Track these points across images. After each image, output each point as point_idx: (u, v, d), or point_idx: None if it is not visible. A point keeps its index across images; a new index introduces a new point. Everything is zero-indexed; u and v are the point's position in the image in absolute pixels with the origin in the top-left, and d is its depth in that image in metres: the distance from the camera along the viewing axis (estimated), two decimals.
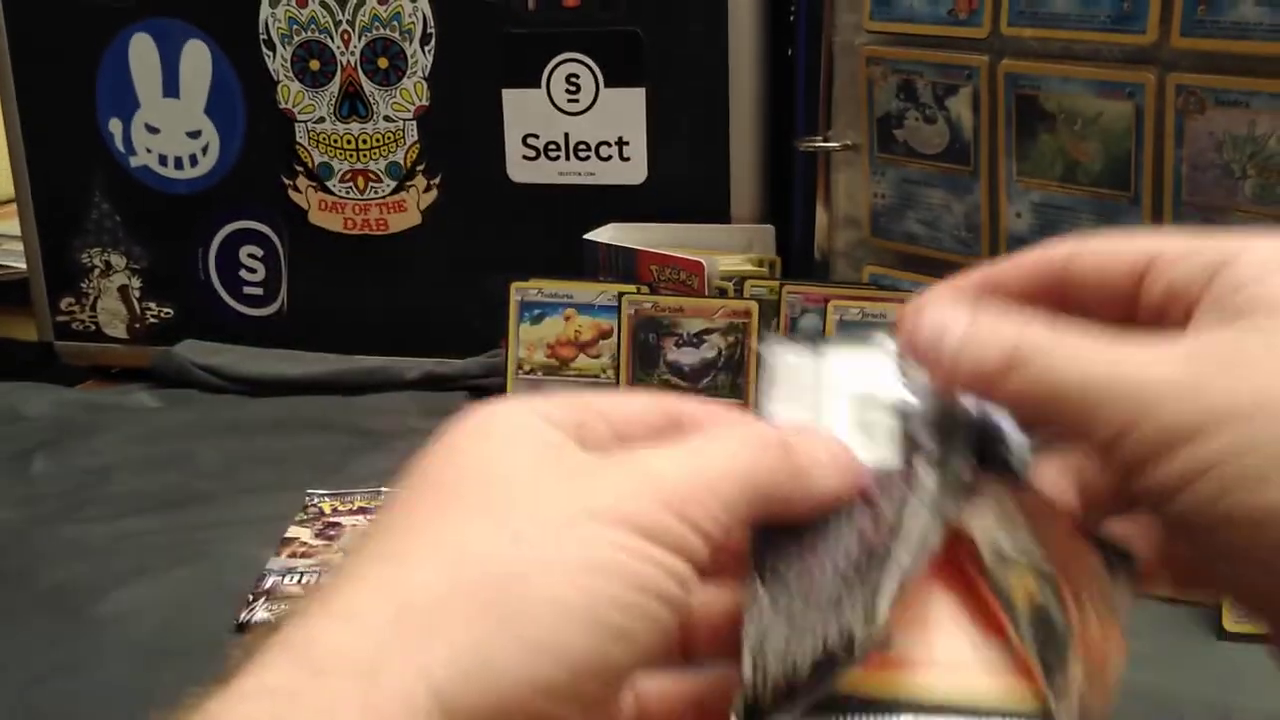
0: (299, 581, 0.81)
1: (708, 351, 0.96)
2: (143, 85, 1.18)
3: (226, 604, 0.79)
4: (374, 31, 1.12)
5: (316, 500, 0.91)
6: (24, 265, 1.27)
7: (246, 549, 0.86)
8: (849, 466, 0.35)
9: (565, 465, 0.32)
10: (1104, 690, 0.33)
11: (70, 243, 1.24)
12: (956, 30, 0.90)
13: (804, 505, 0.34)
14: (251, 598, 0.79)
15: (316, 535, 0.87)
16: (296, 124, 1.16)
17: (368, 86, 1.13)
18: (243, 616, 0.78)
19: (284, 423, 1.09)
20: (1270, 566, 0.30)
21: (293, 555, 0.84)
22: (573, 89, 1.09)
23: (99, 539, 0.89)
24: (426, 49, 1.11)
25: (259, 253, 1.21)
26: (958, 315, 0.35)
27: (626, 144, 1.09)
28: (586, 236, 1.06)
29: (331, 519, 0.89)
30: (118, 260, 1.23)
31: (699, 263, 0.98)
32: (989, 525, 0.34)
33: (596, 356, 1.00)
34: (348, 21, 1.12)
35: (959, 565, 0.34)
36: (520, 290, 1.02)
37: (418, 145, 1.14)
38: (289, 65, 1.14)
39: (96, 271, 1.24)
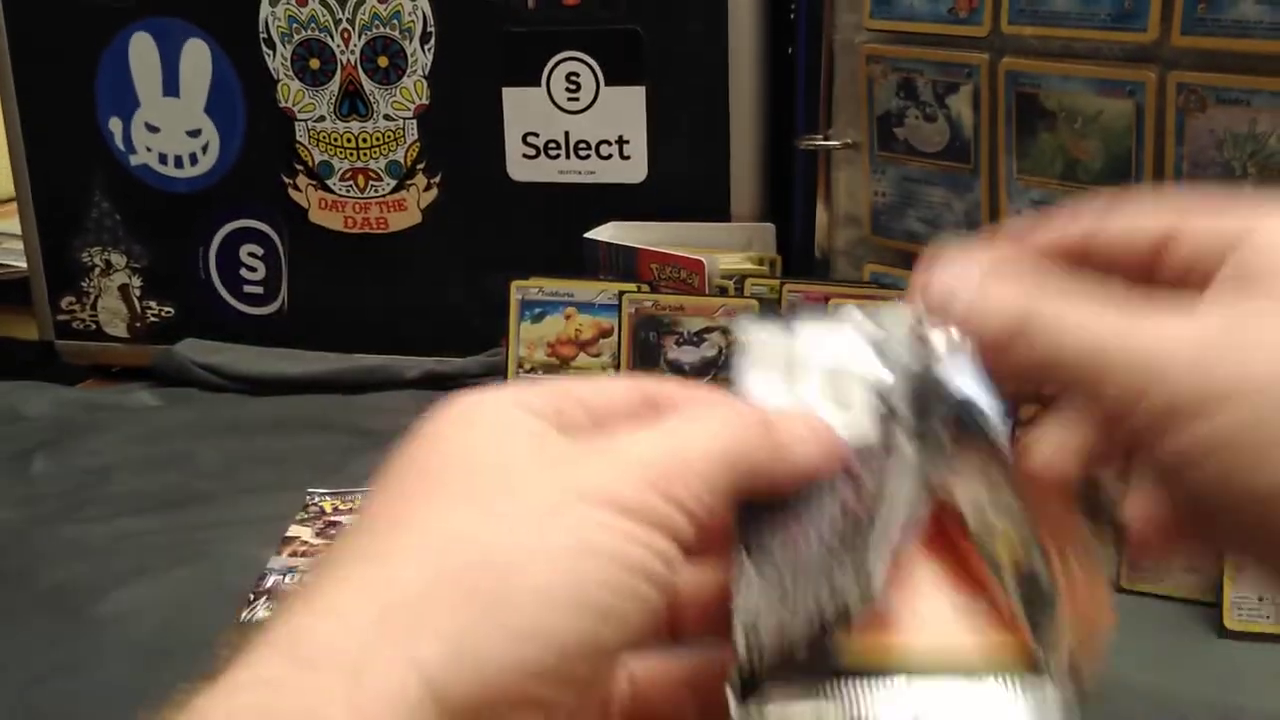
0: (300, 581, 0.81)
1: (708, 350, 0.96)
2: (143, 84, 1.18)
3: (227, 604, 0.79)
4: (374, 30, 1.12)
5: (318, 499, 0.91)
6: (24, 264, 1.27)
7: (247, 549, 0.86)
8: (829, 440, 0.35)
9: (547, 452, 0.32)
10: (1092, 647, 0.33)
11: (70, 242, 1.24)
12: (957, 28, 0.90)
13: (786, 480, 0.34)
14: (252, 597, 0.79)
15: (317, 534, 0.87)
16: (297, 123, 1.16)
17: (368, 85, 1.13)
18: (244, 616, 0.78)
19: (284, 422, 1.09)
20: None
21: (294, 554, 0.84)
22: (573, 87, 1.09)
23: (99, 539, 0.89)
24: (426, 48, 1.11)
25: (259, 251, 1.21)
26: (968, 279, 0.35)
27: (627, 142, 1.09)
28: (587, 235, 1.05)
29: (332, 518, 0.89)
30: (118, 259, 1.23)
31: (699, 261, 0.98)
32: (972, 490, 0.35)
33: (597, 355, 1.00)
34: (348, 20, 1.12)
35: (944, 531, 0.35)
36: (521, 289, 1.02)
37: (418, 144, 1.14)
38: (289, 64, 1.14)
39: (97, 270, 1.24)
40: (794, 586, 0.32)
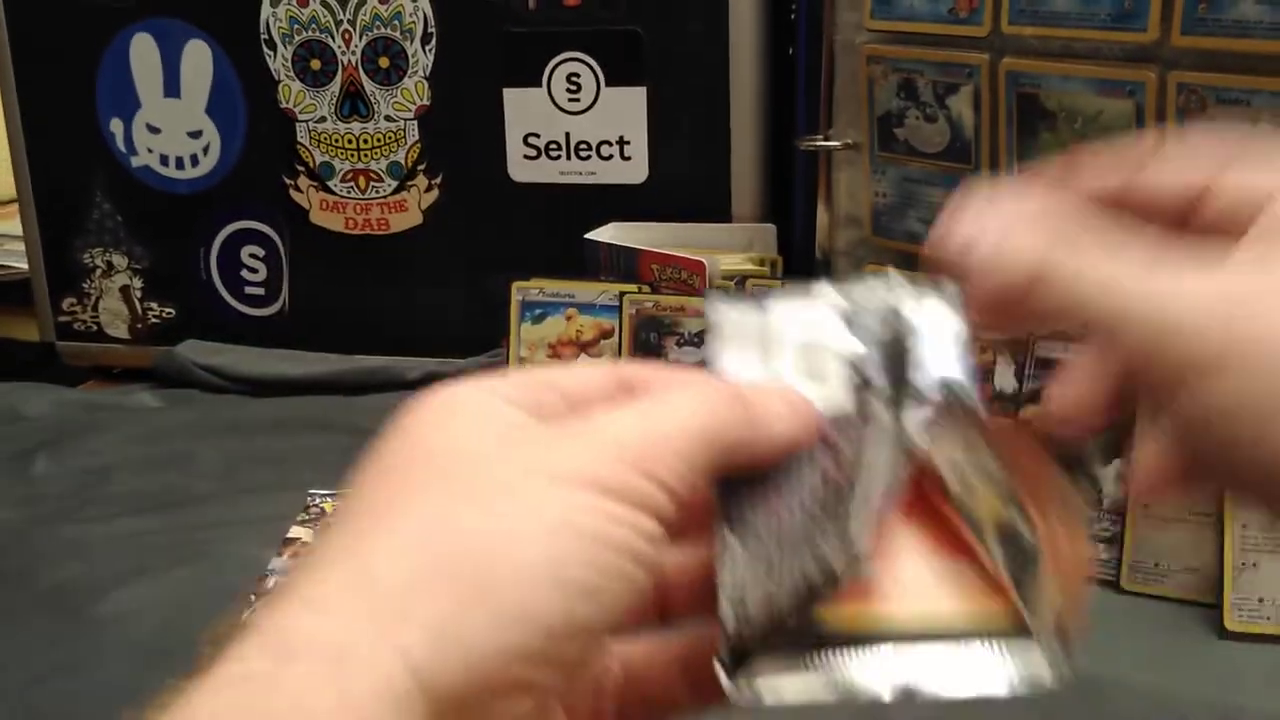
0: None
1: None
2: (144, 85, 1.18)
3: (227, 604, 0.79)
4: (375, 31, 1.12)
5: (318, 500, 0.91)
6: (25, 265, 1.27)
7: (247, 549, 0.86)
8: (805, 412, 0.35)
9: (526, 440, 0.32)
10: (1076, 602, 0.33)
11: (72, 243, 1.24)
12: (957, 29, 0.90)
13: (765, 454, 0.34)
14: (254, 597, 0.79)
15: (318, 535, 0.87)
16: (298, 124, 1.16)
17: (369, 86, 1.13)
18: (244, 616, 0.78)
19: (285, 423, 1.09)
20: None
21: (294, 555, 0.84)
22: (573, 88, 1.09)
23: (99, 539, 0.89)
24: (427, 48, 1.11)
25: (260, 253, 1.21)
26: (988, 226, 0.34)
27: (627, 143, 1.09)
28: (588, 236, 1.05)
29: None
30: (119, 260, 1.23)
31: (700, 262, 0.98)
32: (950, 452, 0.35)
33: (598, 356, 1.00)
34: (349, 21, 1.12)
35: (925, 496, 0.35)
36: (521, 290, 1.02)
37: (419, 145, 1.14)
38: (290, 65, 1.14)
39: (98, 272, 1.24)
40: (778, 558, 0.33)
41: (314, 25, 1.13)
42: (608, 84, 1.08)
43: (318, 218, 1.18)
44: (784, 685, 0.32)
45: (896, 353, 0.37)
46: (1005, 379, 0.78)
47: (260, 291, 1.22)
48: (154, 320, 1.24)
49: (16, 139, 1.22)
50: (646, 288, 0.99)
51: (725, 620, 0.32)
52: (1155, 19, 0.80)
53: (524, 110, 1.11)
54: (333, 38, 1.13)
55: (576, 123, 1.10)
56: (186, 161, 1.20)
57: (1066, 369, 0.34)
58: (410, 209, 1.16)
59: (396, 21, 1.11)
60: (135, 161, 1.20)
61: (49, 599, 0.82)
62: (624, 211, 1.08)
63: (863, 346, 0.37)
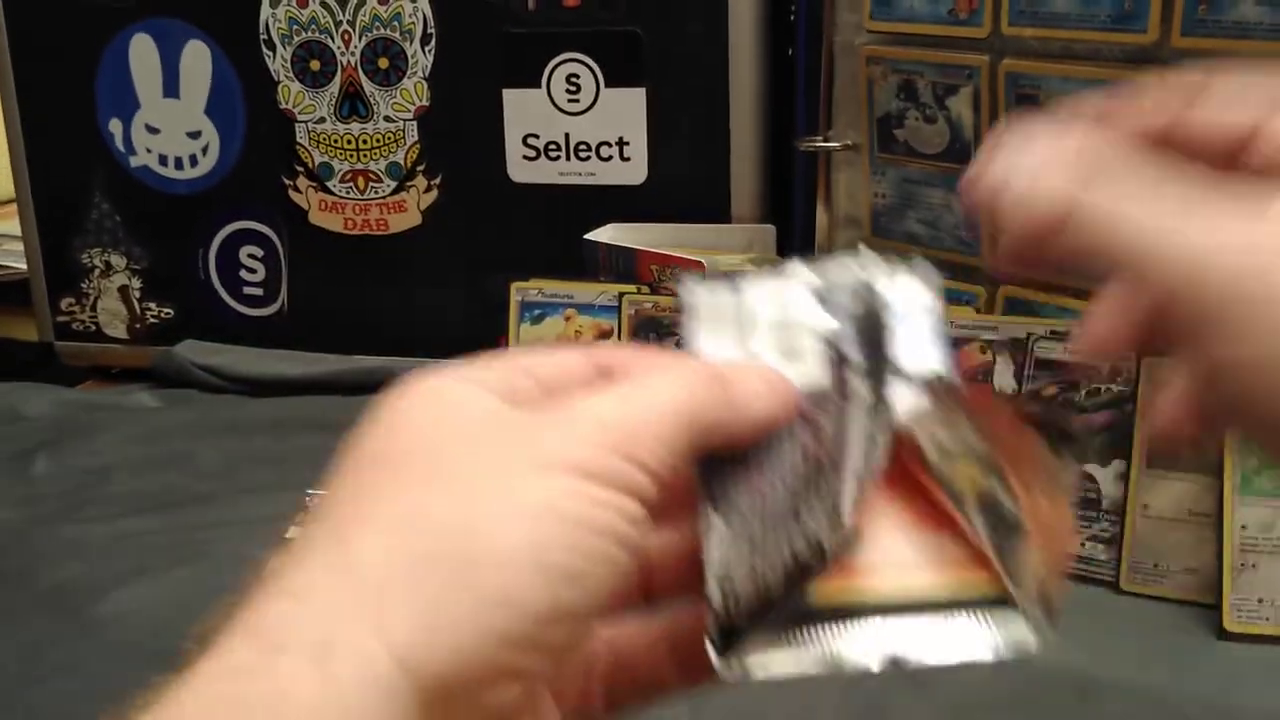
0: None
1: None
2: (143, 85, 1.18)
3: None
4: (374, 31, 1.12)
5: (318, 500, 0.91)
6: (24, 265, 1.27)
7: (246, 549, 0.86)
8: (783, 389, 0.35)
9: (504, 427, 0.32)
10: (1059, 571, 0.34)
11: (70, 243, 1.24)
12: (957, 30, 0.90)
13: (744, 433, 0.34)
14: None
15: None
16: (297, 124, 1.16)
17: (368, 87, 1.13)
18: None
19: (284, 423, 1.09)
20: None
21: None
22: (573, 89, 1.09)
23: (99, 539, 0.89)
24: (427, 49, 1.11)
25: (259, 253, 1.21)
26: (1023, 165, 0.33)
27: (627, 144, 1.09)
28: (587, 237, 1.06)
29: None
30: (118, 260, 1.23)
31: (699, 263, 0.98)
32: (929, 425, 0.35)
33: None
34: (348, 22, 1.12)
35: (905, 469, 0.35)
36: (521, 290, 1.02)
37: (418, 145, 1.14)
38: (289, 65, 1.14)
39: (97, 272, 1.24)
40: (763, 534, 0.33)
41: (313, 26, 1.13)
42: (607, 85, 1.08)
43: (317, 218, 1.18)
44: (773, 661, 0.32)
45: (871, 328, 0.37)
46: (1005, 379, 0.78)
47: (259, 292, 1.22)
48: (152, 320, 1.24)
49: (15, 139, 1.21)
50: (645, 288, 0.99)
51: (713, 599, 0.32)
52: (1155, 20, 0.80)
53: (523, 111, 1.11)
54: (332, 38, 1.13)
55: (576, 123, 1.10)
56: (185, 162, 1.20)
57: (1098, 301, 0.33)
58: (409, 209, 1.16)
59: (396, 22, 1.11)
60: (134, 162, 1.20)
61: (49, 599, 0.81)
62: (623, 212, 1.08)
63: (837, 323, 0.37)
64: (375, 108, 1.14)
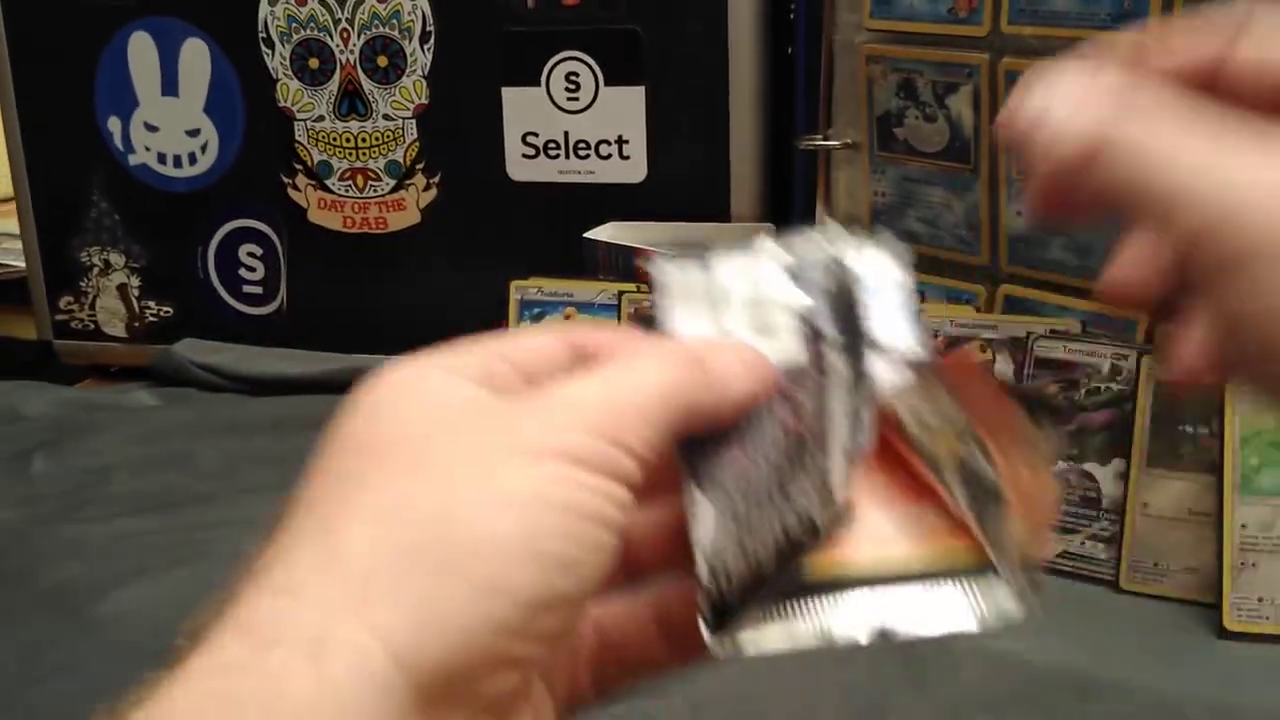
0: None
1: None
2: (142, 84, 1.18)
3: None
4: (373, 30, 1.12)
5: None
6: (23, 264, 1.27)
7: (247, 549, 0.86)
8: (761, 367, 0.35)
9: (484, 414, 0.32)
10: (1039, 536, 0.34)
11: (69, 241, 1.24)
12: (957, 28, 0.90)
13: (725, 412, 0.34)
14: None
15: None
16: (296, 122, 1.16)
17: (367, 85, 1.13)
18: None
19: (283, 422, 1.09)
20: None
21: None
22: (572, 87, 1.09)
23: (99, 539, 0.89)
24: (426, 47, 1.11)
25: (258, 251, 1.21)
26: (1056, 101, 0.32)
27: (626, 142, 1.09)
28: (586, 235, 1.05)
29: None
30: (117, 259, 1.23)
31: None
32: (907, 397, 0.36)
33: None
34: (347, 20, 1.12)
35: (886, 440, 0.35)
36: (520, 289, 1.02)
37: (417, 144, 1.14)
38: (288, 63, 1.14)
39: (95, 270, 1.24)
40: (750, 511, 0.33)
41: (312, 24, 1.13)
42: (607, 83, 1.08)
43: (316, 216, 1.18)
44: (763, 636, 0.32)
45: (844, 302, 0.37)
46: (1005, 379, 0.78)
47: (258, 290, 1.22)
48: (151, 319, 1.24)
49: (14, 137, 1.21)
50: (645, 287, 0.99)
51: (703, 577, 0.32)
52: (1155, 19, 0.80)
53: (523, 109, 1.11)
54: (331, 36, 1.13)
55: (575, 122, 1.10)
56: (184, 160, 1.20)
57: (1121, 248, 0.32)
58: (409, 208, 1.16)
59: (395, 20, 1.11)
60: (133, 160, 1.20)
61: (49, 599, 0.81)
62: (623, 211, 1.08)
63: (810, 298, 0.37)
64: (374, 106, 1.14)
